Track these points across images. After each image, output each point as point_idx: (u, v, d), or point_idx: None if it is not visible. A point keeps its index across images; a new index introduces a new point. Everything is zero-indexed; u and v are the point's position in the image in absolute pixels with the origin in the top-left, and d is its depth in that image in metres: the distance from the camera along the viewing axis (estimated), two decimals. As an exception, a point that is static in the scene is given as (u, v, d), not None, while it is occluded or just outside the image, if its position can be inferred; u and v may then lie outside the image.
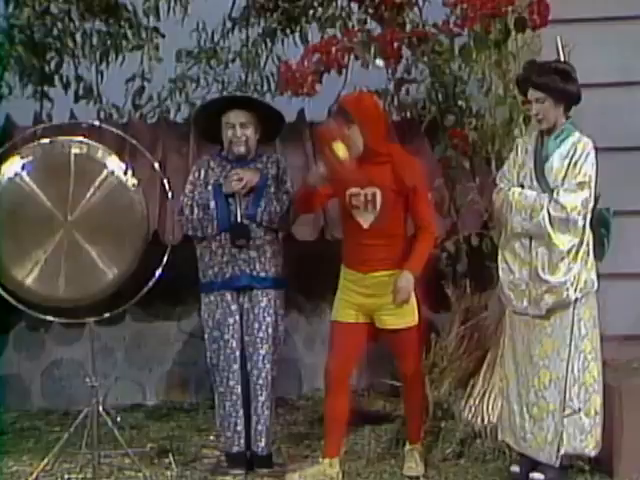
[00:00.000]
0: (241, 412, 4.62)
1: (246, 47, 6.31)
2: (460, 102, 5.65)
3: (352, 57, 5.58)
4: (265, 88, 6.34)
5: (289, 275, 4.83)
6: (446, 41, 5.48)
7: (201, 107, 5.06)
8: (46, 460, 4.50)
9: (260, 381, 4.62)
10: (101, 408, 4.57)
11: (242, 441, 4.62)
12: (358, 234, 4.49)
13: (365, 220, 4.48)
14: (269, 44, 6.35)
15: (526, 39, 5.28)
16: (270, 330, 4.66)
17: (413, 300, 4.53)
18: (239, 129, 4.68)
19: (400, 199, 4.48)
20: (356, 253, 4.49)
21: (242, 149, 4.69)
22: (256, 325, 4.64)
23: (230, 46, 6.32)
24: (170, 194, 4.86)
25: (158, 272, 4.69)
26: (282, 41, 6.35)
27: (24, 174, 4.69)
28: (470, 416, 4.96)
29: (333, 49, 5.57)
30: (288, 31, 6.34)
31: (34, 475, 4.41)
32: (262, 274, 4.67)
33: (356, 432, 5.16)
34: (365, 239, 4.46)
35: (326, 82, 5.57)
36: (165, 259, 4.69)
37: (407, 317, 4.52)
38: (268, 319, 4.66)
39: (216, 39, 6.30)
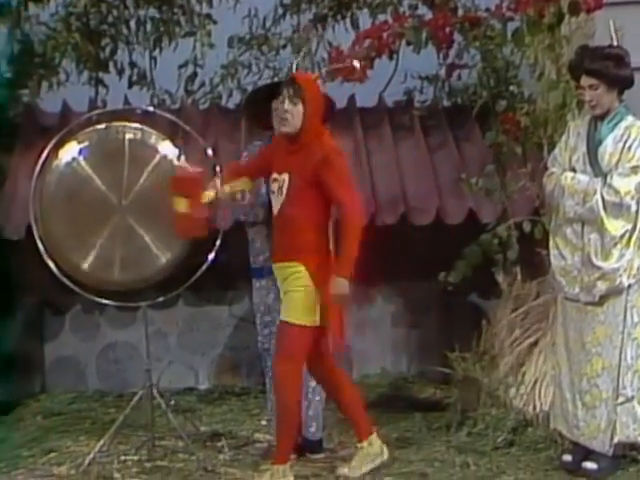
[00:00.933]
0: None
1: (297, 33, 6.25)
2: (512, 87, 5.54)
3: (403, 42, 5.49)
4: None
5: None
6: (498, 25, 5.36)
7: (252, 93, 4.99)
8: (102, 441, 4.49)
9: None
10: (155, 391, 4.55)
11: (298, 428, 4.55)
12: (273, 221, 4.28)
13: (275, 206, 4.25)
14: (320, 30, 6.28)
15: (580, 22, 5.16)
16: None
17: (305, 298, 4.12)
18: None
19: (312, 189, 4.13)
20: (272, 240, 4.30)
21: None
22: None
23: (281, 32, 6.27)
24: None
25: (210, 257, 4.65)
26: (333, 27, 6.28)
27: (80, 159, 4.69)
28: (521, 404, 4.85)
29: (384, 35, 5.49)
30: (339, 17, 6.26)
31: (91, 455, 4.40)
32: None
33: (406, 419, 5.10)
34: (275, 226, 4.25)
35: (376, 68, 5.49)
36: (217, 244, 4.64)
37: (290, 312, 4.14)
38: None
39: (267, 25, 6.25)
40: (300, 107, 4.17)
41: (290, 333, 4.11)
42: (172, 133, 5.09)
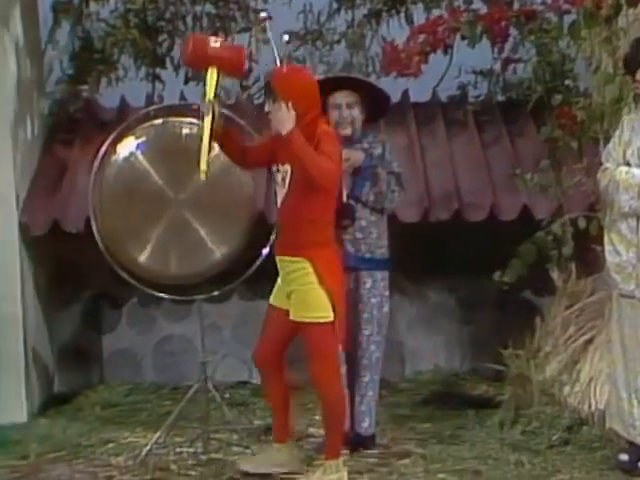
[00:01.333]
0: (346, 392, 4.54)
1: (352, 28, 6.21)
2: (567, 81, 5.49)
3: (457, 37, 5.43)
4: (370, 69, 6.23)
5: (392, 257, 4.71)
6: (554, 18, 5.30)
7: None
8: (159, 433, 4.51)
9: (364, 361, 4.53)
10: (210, 384, 4.56)
11: (347, 421, 4.54)
12: (277, 212, 4.21)
13: (279, 198, 4.19)
14: (374, 25, 6.23)
15: (638, 14, 5.06)
16: (375, 312, 4.56)
17: (315, 295, 4.02)
18: (345, 110, 4.57)
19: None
20: (276, 233, 4.20)
21: (348, 130, 4.59)
22: (360, 306, 4.55)
23: (335, 27, 6.24)
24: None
25: (265, 251, 4.64)
26: (387, 22, 6.23)
27: (138, 154, 4.71)
28: (576, 402, 4.77)
29: (439, 29, 5.44)
30: (393, 12, 6.21)
31: (148, 447, 4.42)
32: (367, 255, 4.56)
33: (459, 416, 5.05)
34: (279, 219, 4.18)
35: (430, 63, 5.44)
36: (271, 239, 4.63)
37: (305, 312, 4.04)
38: (373, 300, 4.56)
39: (322, 20, 6.23)
40: (280, 105, 4.02)
41: (314, 333, 4.03)
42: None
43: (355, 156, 4.56)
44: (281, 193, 4.19)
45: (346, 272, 4.52)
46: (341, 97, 4.58)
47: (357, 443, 4.54)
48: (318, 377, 4.07)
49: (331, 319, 4.03)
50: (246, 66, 4.17)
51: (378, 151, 4.63)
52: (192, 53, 4.14)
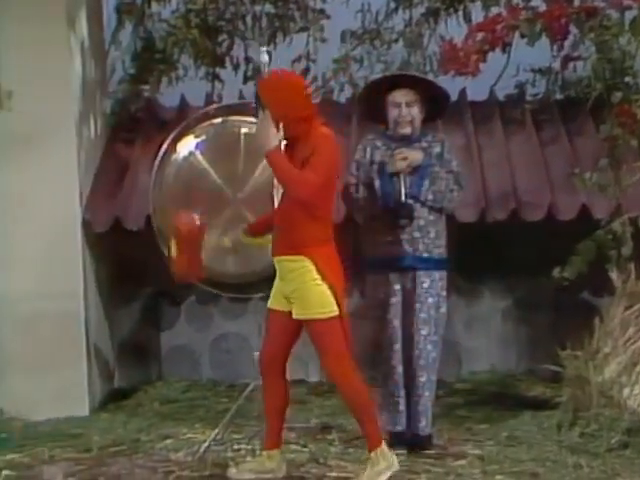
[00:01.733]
0: (403, 392, 4.50)
1: (409, 27, 6.16)
2: (628, 78, 5.39)
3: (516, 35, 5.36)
4: (427, 68, 6.17)
5: (449, 257, 4.66)
6: (615, 15, 5.18)
7: (368, 85, 4.93)
8: (217, 430, 4.52)
9: (421, 362, 4.49)
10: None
11: (404, 421, 4.51)
12: (274, 214, 4.12)
13: (276, 200, 4.08)
14: (432, 24, 6.18)
15: (701, 10, 4.95)
16: (432, 311, 4.51)
17: (317, 291, 3.92)
18: (405, 108, 4.52)
19: None
20: (273, 234, 4.11)
21: (407, 129, 4.54)
22: (418, 306, 4.50)
23: (393, 26, 6.20)
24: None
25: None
26: (445, 21, 6.16)
27: (197, 153, 4.73)
28: (636, 405, 4.68)
29: (498, 27, 5.37)
30: (451, 10, 6.15)
31: (206, 443, 4.43)
32: (425, 255, 4.52)
33: (516, 417, 4.98)
34: (276, 220, 4.07)
35: (488, 61, 5.38)
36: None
37: (309, 309, 3.93)
38: (430, 300, 4.51)
39: (380, 19, 6.19)
40: (265, 115, 3.91)
41: (320, 329, 3.94)
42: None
43: (414, 155, 4.51)
44: (277, 195, 4.10)
45: (403, 272, 4.52)
46: (400, 95, 4.53)
47: (414, 443, 4.50)
48: (332, 373, 4.02)
49: (336, 314, 3.93)
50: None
51: (437, 150, 4.58)
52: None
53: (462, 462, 4.37)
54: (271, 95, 3.94)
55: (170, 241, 4.30)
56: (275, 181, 4.08)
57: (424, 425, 4.50)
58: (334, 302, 3.93)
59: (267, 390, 4.13)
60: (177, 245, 4.24)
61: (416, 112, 4.54)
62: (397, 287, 4.52)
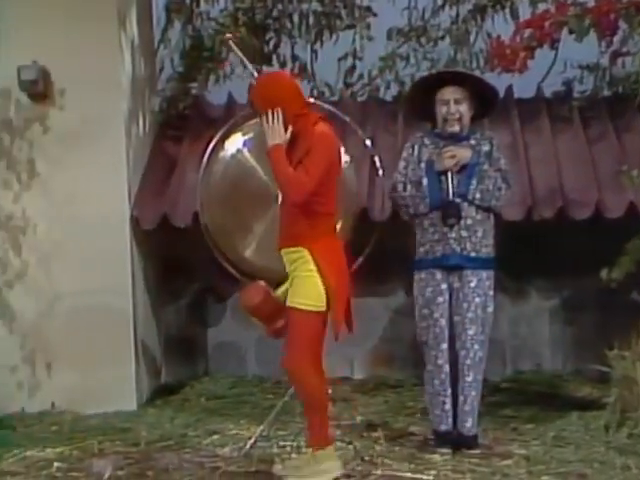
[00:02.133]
0: (449, 391, 4.46)
1: (456, 24, 6.11)
2: (678, 74, 5.26)
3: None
4: (474, 65, 6.12)
5: (495, 255, 4.61)
6: (667, 9, 5.09)
7: (416, 83, 4.89)
8: (262, 426, 4.52)
9: (468, 361, 4.44)
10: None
11: (450, 420, 4.46)
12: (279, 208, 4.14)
13: (279, 194, 4.12)
14: (479, 20, 6.12)
15: None
16: (479, 311, 4.45)
17: (310, 283, 3.90)
18: (453, 105, 4.47)
19: None
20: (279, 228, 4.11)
21: (456, 127, 4.48)
22: (465, 305, 4.45)
23: (440, 23, 6.15)
24: (381, 171, 4.75)
25: (367, 249, 4.60)
26: (492, 17, 6.10)
27: (245, 150, 4.72)
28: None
29: (546, 23, 5.29)
30: (498, 7, 6.09)
31: (252, 440, 4.43)
32: (472, 254, 4.46)
33: (563, 418, 4.91)
34: (280, 214, 4.10)
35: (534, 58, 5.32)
36: (374, 236, 4.58)
37: (296, 297, 3.93)
38: (477, 300, 4.46)
39: (426, 17, 6.15)
40: (264, 118, 3.95)
41: (297, 320, 3.93)
42: (331, 125, 5.05)
43: (462, 153, 4.46)
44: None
45: (451, 271, 4.47)
46: (449, 93, 4.47)
47: (459, 443, 4.45)
48: (291, 364, 3.97)
49: (319, 309, 3.91)
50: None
51: (486, 148, 4.52)
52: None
53: (508, 462, 4.31)
54: (264, 95, 3.97)
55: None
56: None
57: (470, 425, 4.46)
58: (323, 297, 3.90)
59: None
60: (258, 321, 4.16)
61: (465, 109, 4.48)
62: (444, 286, 4.47)
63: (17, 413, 5.22)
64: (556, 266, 5.75)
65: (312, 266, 3.93)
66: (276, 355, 6.03)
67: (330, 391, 4.56)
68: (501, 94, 5.97)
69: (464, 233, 4.45)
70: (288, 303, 3.98)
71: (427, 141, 4.57)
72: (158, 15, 6.03)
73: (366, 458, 4.29)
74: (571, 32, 5.29)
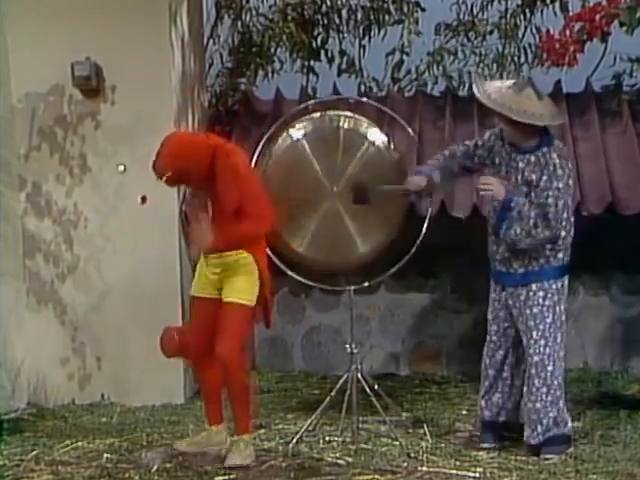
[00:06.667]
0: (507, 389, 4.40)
1: (505, 19, 6.02)
2: None
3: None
4: (522, 59, 6.03)
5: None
6: None
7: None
8: (309, 421, 4.49)
9: (532, 370, 4.28)
10: (359, 375, 4.51)
11: (496, 410, 4.39)
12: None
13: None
14: (528, 15, 6.03)
15: None
16: (537, 320, 4.24)
17: (249, 280, 4.13)
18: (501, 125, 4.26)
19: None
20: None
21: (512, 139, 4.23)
22: (525, 313, 4.29)
23: (488, 18, 6.07)
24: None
25: (416, 245, 4.55)
26: (541, 11, 6.01)
27: (297, 147, 4.62)
28: None
29: (597, 17, 5.17)
30: (548, 1, 5.99)
31: (299, 435, 4.41)
32: (520, 270, 4.26)
33: (611, 416, 4.82)
34: (216, 220, 4.15)
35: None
36: (423, 231, 4.53)
37: (234, 292, 4.12)
38: (535, 310, 4.25)
39: (475, 11, 6.07)
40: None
41: (236, 313, 4.11)
42: (378, 120, 5.01)
43: (496, 189, 4.21)
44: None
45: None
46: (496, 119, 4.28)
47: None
48: (225, 354, 4.07)
49: (252, 305, 4.13)
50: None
51: (535, 176, 4.18)
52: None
53: (555, 460, 4.25)
54: (173, 164, 4.10)
55: None
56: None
57: (529, 434, 4.29)
58: (256, 293, 4.14)
59: (201, 374, 4.30)
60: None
61: (507, 128, 4.22)
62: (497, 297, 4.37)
63: (68, 404, 5.26)
64: (604, 262, 5.64)
65: (254, 267, 4.16)
66: (322, 351, 6.08)
67: (377, 387, 4.56)
68: (549, 89, 5.91)
69: (506, 254, 4.27)
70: (229, 299, 4.14)
71: (499, 140, 4.34)
72: (208, 11, 6.02)
73: (412, 455, 4.24)
74: (622, 24, 5.17)
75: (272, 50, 5.96)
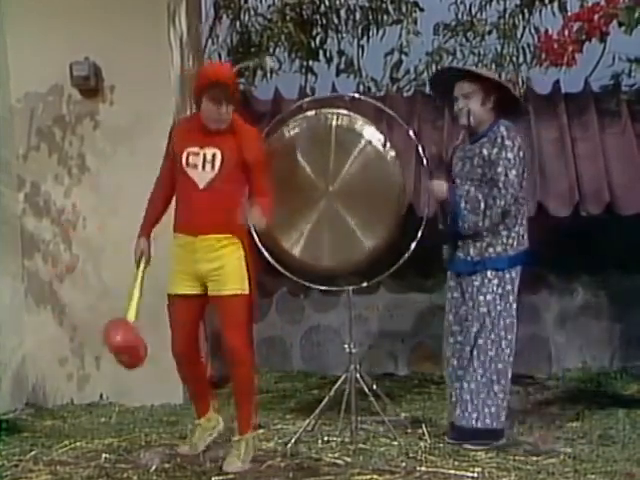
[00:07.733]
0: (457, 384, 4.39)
1: (503, 19, 6.03)
2: None
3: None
4: (521, 59, 6.03)
5: (539, 252, 4.48)
6: None
7: (430, 80, 4.80)
8: (308, 421, 4.49)
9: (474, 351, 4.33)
10: (358, 375, 4.50)
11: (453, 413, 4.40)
12: (192, 195, 4.08)
13: (201, 180, 4.07)
14: (526, 15, 6.03)
15: None
16: (483, 309, 4.30)
17: (242, 267, 4.06)
18: (462, 100, 4.29)
19: (239, 167, 4.08)
20: (188, 215, 4.08)
21: (464, 120, 4.30)
22: (470, 303, 4.34)
23: (487, 18, 6.08)
24: (425, 161, 4.67)
25: (413, 245, 4.54)
26: (540, 11, 6.01)
27: (293, 146, 4.64)
28: None
29: (595, 17, 5.18)
30: (546, 1, 5.99)
31: (297, 435, 4.41)
32: (477, 258, 4.30)
33: (609, 416, 4.82)
34: (199, 200, 4.05)
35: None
36: (420, 232, 4.52)
37: (231, 284, 4.05)
38: (481, 298, 4.30)
39: (474, 11, 6.08)
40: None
41: (237, 305, 4.03)
42: (377, 120, 5.00)
43: (437, 188, 4.33)
44: (202, 175, 4.07)
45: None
46: (457, 89, 4.32)
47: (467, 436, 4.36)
48: (238, 348, 4.01)
49: (247, 292, 4.06)
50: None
51: (485, 152, 4.25)
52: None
53: (553, 460, 4.23)
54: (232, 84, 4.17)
55: None
56: (192, 160, 4.10)
57: (459, 414, 4.33)
58: (247, 281, 4.06)
59: (184, 374, 4.30)
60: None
61: (475, 104, 4.26)
62: (453, 284, 4.43)
63: (66, 404, 5.26)
64: (603, 262, 5.64)
65: (241, 252, 4.07)
66: (321, 351, 6.07)
67: (375, 387, 4.55)
68: (548, 89, 5.90)
69: (468, 239, 4.32)
70: (224, 292, 4.04)
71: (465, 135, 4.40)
72: (206, 11, 6.03)
73: (410, 454, 4.23)
74: (620, 25, 5.17)
75: (270, 50, 5.95)
